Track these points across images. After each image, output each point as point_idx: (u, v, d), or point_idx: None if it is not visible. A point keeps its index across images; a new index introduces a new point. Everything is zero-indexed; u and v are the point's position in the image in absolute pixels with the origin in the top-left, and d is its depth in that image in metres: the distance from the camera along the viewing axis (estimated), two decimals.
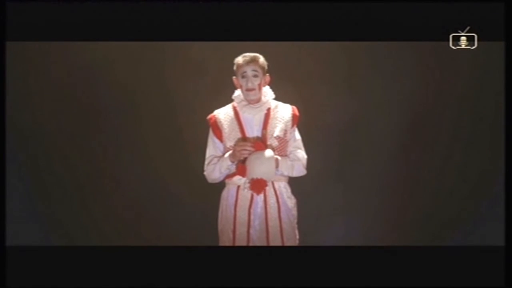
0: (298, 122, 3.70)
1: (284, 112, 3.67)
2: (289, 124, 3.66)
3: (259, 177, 3.51)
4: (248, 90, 3.57)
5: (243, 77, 3.57)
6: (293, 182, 3.72)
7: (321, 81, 4.67)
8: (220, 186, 3.71)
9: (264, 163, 3.50)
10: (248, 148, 3.50)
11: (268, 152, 3.52)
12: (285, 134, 3.63)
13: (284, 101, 3.72)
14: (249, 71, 3.56)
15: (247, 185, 3.54)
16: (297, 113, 3.70)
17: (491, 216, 4.21)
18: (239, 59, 3.59)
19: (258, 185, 3.53)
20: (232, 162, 3.56)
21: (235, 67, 3.61)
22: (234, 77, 3.63)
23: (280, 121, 3.64)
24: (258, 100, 3.62)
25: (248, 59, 3.57)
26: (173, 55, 4.63)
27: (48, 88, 4.59)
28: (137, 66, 4.64)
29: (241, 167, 3.54)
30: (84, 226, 4.64)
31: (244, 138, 3.58)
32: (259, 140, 3.57)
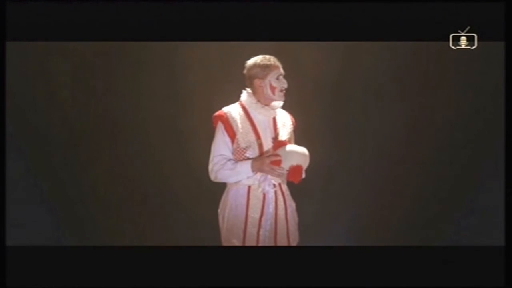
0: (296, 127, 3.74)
1: (284, 117, 3.69)
2: (291, 129, 3.69)
3: (296, 163, 3.50)
4: (282, 91, 3.58)
5: (278, 78, 3.55)
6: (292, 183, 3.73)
7: (319, 81, 4.67)
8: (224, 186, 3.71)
9: (299, 149, 3.53)
10: (280, 171, 3.49)
11: (295, 145, 3.57)
12: (289, 139, 3.66)
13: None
14: (282, 72, 3.58)
15: (285, 174, 3.51)
16: (293, 118, 3.73)
17: (491, 216, 4.21)
18: (270, 61, 3.55)
19: (296, 172, 3.50)
20: (254, 172, 3.53)
21: (261, 69, 3.54)
22: (257, 79, 3.55)
23: (285, 126, 3.66)
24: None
25: (277, 61, 3.57)
26: (173, 55, 4.63)
27: (48, 87, 4.59)
28: (138, 66, 4.65)
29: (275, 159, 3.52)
30: (84, 226, 4.64)
31: (260, 142, 3.56)
32: (276, 140, 3.59)
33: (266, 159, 3.49)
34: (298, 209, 3.71)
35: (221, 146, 3.57)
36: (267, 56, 3.58)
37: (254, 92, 3.59)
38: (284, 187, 3.64)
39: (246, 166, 3.52)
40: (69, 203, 4.66)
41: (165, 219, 4.71)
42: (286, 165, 3.49)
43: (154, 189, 4.73)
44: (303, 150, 3.56)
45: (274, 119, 3.63)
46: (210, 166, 3.59)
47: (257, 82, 3.56)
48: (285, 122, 3.68)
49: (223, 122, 3.57)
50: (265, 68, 3.55)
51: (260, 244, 3.55)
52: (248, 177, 3.54)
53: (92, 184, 4.69)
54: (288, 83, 3.59)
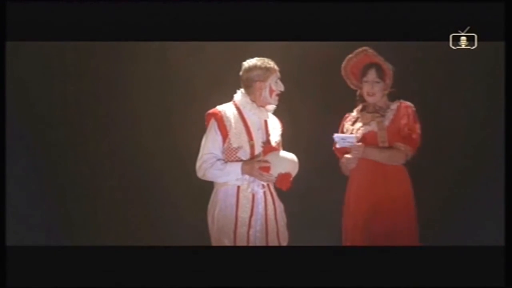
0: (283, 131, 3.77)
1: (273, 120, 3.72)
2: (280, 132, 3.73)
3: (285, 171, 3.53)
4: (278, 94, 3.61)
5: (277, 82, 3.59)
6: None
7: (318, 81, 4.67)
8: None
9: (289, 157, 3.57)
10: (269, 177, 3.53)
11: (285, 152, 3.59)
12: (279, 142, 3.69)
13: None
14: (279, 75, 3.61)
15: (273, 180, 3.55)
16: (280, 122, 3.77)
17: (491, 216, 4.21)
18: (270, 64, 3.58)
19: (285, 180, 3.54)
20: (243, 175, 3.55)
21: (262, 72, 3.57)
22: (259, 81, 3.57)
23: (274, 128, 3.69)
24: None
25: (275, 64, 3.60)
26: (172, 55, 4.63)
27: (48, 87, 4.59)
28: (137, 66, 4.65)
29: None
30: (84, 226, 4.64)
31: (252, 143, 3.57)
32: (268, 144, 3.59)
33: (256, 164, 3.51)
34: (287, 210, 3.73)
35: (212, 144, 3.57)
36: (265, 59, 3.60)
37: (251, 94, 3.60)
38: (272, 187, 3.66)
39: (235, 168, 3.53)
40: (69, 204, 4.66)
41: (164, 220, 4.71)
42: (275, 172, 3.52)
43: (153, 190, 4.73)
44: (292, 157, 3.58)
45: (265, 121, 3.64)
46: (198, 163, 3.58)
47: (258, 84, 3.57)
48: (274, 125, 3.71)
49: (216, 120, 3.58)
50: (266, 71, 3.57)
51: (251, 244, 3.56)
52: (237, 179, 3.54)
53: (93, 185, 4.69)
54: (284, 83, 3.61)
